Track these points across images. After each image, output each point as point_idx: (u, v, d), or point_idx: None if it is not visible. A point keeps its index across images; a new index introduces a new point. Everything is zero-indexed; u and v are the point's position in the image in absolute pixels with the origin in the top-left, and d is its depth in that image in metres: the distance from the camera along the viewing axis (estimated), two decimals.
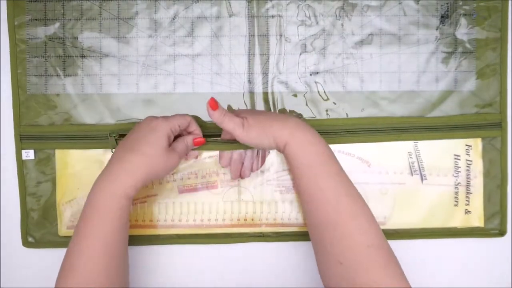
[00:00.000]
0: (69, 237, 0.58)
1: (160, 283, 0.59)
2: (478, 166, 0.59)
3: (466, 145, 0.58)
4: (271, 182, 0.58)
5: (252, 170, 0.58)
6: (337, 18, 0.58)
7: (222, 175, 0.58)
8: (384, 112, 0.58)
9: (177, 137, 0.54)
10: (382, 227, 0.58)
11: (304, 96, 0.58)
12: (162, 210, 0.58)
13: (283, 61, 0.58)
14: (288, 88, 0.58)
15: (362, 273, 0.46)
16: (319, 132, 0.58)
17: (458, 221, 0.59)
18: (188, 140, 0.54)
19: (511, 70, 0.59)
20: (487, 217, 0.59)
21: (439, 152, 0.58)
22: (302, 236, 0.58)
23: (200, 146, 0.55)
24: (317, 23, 0.58)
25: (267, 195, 0.58)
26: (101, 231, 0.48)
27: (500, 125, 0.58)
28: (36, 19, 0.58)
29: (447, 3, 0.58)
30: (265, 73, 0.58)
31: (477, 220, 0.59)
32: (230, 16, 0.58)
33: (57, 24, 0.58)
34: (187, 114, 0.55)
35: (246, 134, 0.51)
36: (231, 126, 0.51)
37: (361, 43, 0.58)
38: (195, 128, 0.55)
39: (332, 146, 0.58)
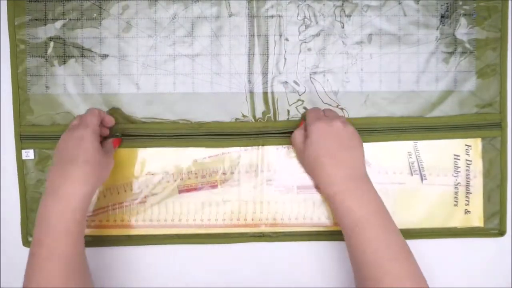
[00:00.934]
0: None
1: (160, 283, 0.59)
2: (478, 166, 0.59)
3: (466, 145, 0.58)
4: (271, 182, 0.58)
5: None
6: (337, 18, 0.58)
7: (222, 175, 0.58)
8: (384, 112, 0.58)
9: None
10: None
11: (303, 96, 0.58)
12: (162, 210, 0.59)
13: (283, 61, 0.58)
14: (288, 88, 0.58)
15: None
16: None
17: (458, 221, 0.59)
18: (108, 144, 0.55)
19: (511, 70, 0.59)
20: (487, 217, 0.59)
21: (439, 152, 0.58)
22: (302, 236, 0.58)
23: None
24: (317, 23, 0.58)
25: (267, 195, 0.58)
26: (56, 251, 0.47)
27: (500, 125, 0.58)
28: (36, 19, 0.58)
29: (447, 3, 0.58)
30: (264, 73, 0.58)
31: (476, 220, 0.59)
32: (230, 16, 0.58)
33: (57, 24, 0.58)
34: (93, 108, 0.55)
35: (301, 156, 0.54)
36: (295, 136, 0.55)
37: (361, 43, 0.58)
38: (107, 120, 0.55)
39: None
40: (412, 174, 0.59)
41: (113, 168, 0.55)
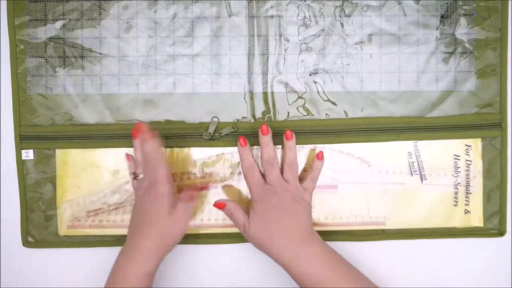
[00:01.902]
0: (69, 236, 0.59)
1: (160, 283, 0.59)
2: (477, 166, 0.59)
3: (466, 145, 0.58)
4: None
5: None
6: (337, 18, 0.58)
7: (222, 175, 0.58)
8: (383, 112, 0.58)
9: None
10: (382, 227, 0.59)
11: (303, 96, 0.58)
12: None
13: (283, 61, 0.58)
14: (287, 88, 0.58)
15: None
16: (318, 132, 0.58)
17: (457, 221, 0.59)
18: (182, 200, 0.54)
19: (511, 70, 0.59)
20: (487, 217, 0.59)
21: (439, 152, 0.58)
22: None
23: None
24: (316, 23, 0.58)
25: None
26: None
27: (500, 125, 0.58)
28: (36, 19, 0.58)
29: (447, 3, 0.58)
30: (264, 73, 0.58)
31: (476, 220, 0.59)
32: (229, 16, 0.58)
33: (57, 24, 0.58)
34: (162, 160, 0.53)
35: (247, 237, 0.54)
36: (236, 222, 0.55)
37: (361, 43, 0.58)
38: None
39: (332, 146, 0.58)
40: (412, 174, 0.59)
41: (113, 168, 0.55)
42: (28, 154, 0.58)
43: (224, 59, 0.58)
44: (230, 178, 0.58)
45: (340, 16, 0.58)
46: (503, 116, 0.58)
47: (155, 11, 0.58)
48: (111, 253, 0.55)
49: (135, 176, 0.54)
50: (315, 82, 0.58)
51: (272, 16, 0.58)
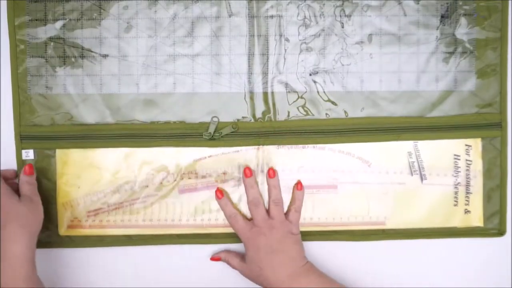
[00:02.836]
0: (70, 236, 0.59)
1: (160, 282, 0.59)
2: (478, 166, 0.59)
3: (466, 145, 0.58)
4: None
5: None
6: (337, 18, 0.58)
7: (222, 175, 0.58)
8: (384, 112, 0.58)
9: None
10: (382, 227, 0.59)
11: (303, 96, 0.58)
12: (162, 210, 0.59)
13: (283, 61, 0.58)
14: (288, 88, 0.58)
15: None
16: (319, 132, 0.58)
17: (457, 221, 0.59)
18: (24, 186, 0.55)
19: (511, 70, 0.59)
20: (487, 217, 0.59)
21: (439, 152, 0.58)
22: (302, 235, 0.58)
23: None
24: (317, 23, 0.58)
25: (267, 195, 0.58)
26: None
27: (500, 125, 0.58)
28: (36, 19, 0.58)
29: (447, 3, 0.58)
30: (265, 73, 0.58)
31: (476, 219, 0.59)
32: (230, 16, 0.58)
33: (57, 24, 0.58)
34: None
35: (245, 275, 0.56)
36: (234, 268, 0.57)
37: (361, 43, 0.58)
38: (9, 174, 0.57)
39: (332, 146, 0.58)
40: (412, 174, 0.59)
41: (113, 168, 0.55)
42: (28, 154, 0.58)
43: (224, 59, 0.58)
44: (230, 178, 0.58)
45: (340, 16, 0.58)
46: (503, 116, 0.58)
47: (155, 11, 0.58)
48: (111, 253, 0.55)
49: None
50: (315, 82, 0.58)
51: (272, 16, 0.58)
